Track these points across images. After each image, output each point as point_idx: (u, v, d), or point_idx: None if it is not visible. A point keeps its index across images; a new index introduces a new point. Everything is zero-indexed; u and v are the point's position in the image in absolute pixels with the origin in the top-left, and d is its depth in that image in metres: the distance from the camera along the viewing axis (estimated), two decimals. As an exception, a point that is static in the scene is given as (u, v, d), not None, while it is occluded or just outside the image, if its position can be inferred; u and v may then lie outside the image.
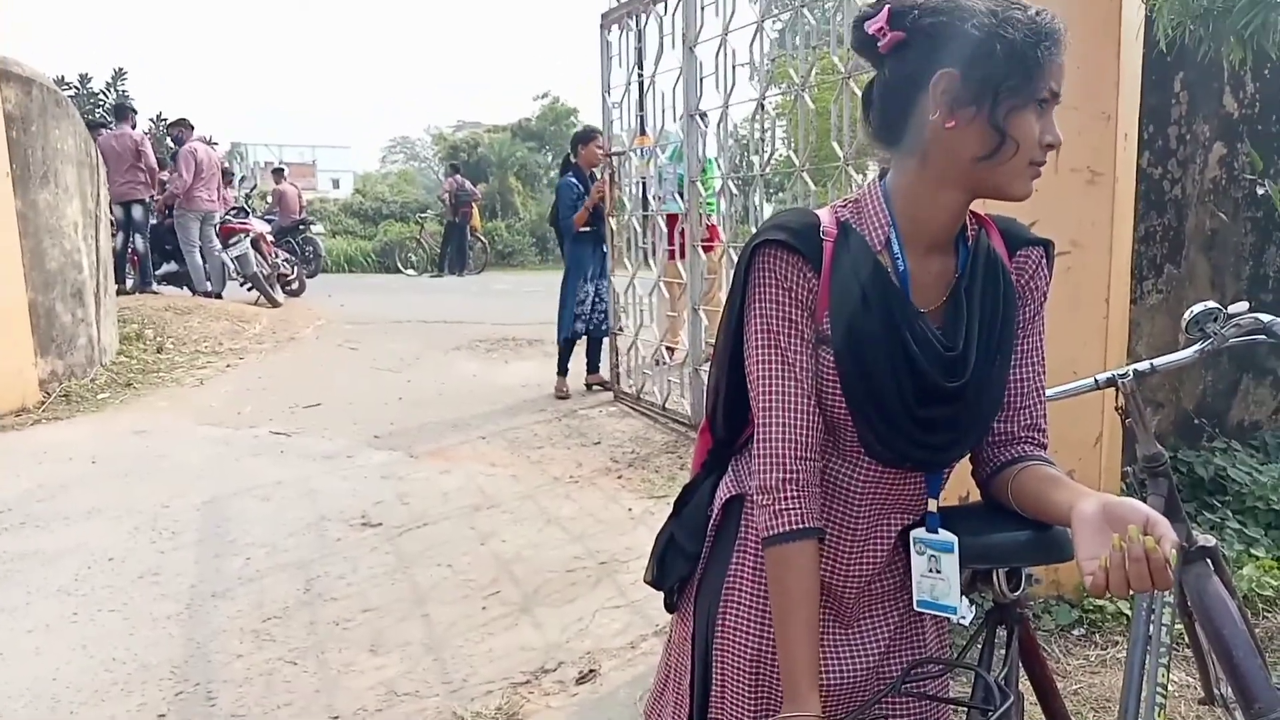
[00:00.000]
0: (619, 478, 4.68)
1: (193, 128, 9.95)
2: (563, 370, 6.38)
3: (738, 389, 1.34)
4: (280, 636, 3.10)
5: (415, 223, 19.67)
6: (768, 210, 5.84)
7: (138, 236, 9.44)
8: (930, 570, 1.29)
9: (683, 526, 1.43)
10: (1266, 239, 4.04)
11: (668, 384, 5.68)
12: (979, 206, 1.31)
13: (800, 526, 1.19)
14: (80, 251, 6.72)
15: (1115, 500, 1.08)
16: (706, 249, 5.38)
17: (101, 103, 13.58)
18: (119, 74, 15.05)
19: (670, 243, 5.75)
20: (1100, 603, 2.89)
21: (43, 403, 6.13)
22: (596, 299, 6.25)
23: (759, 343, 1.23)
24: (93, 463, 5.01)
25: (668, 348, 6.11)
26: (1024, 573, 1.32)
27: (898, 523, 1.30)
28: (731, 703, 1.33)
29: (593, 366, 6.48)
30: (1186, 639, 1.97)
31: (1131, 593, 1.02)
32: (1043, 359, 1.32)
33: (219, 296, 9.77)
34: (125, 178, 9.19)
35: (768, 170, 5.10)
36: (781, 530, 1.19)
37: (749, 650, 1.30)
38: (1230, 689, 1.72)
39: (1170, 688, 2.38)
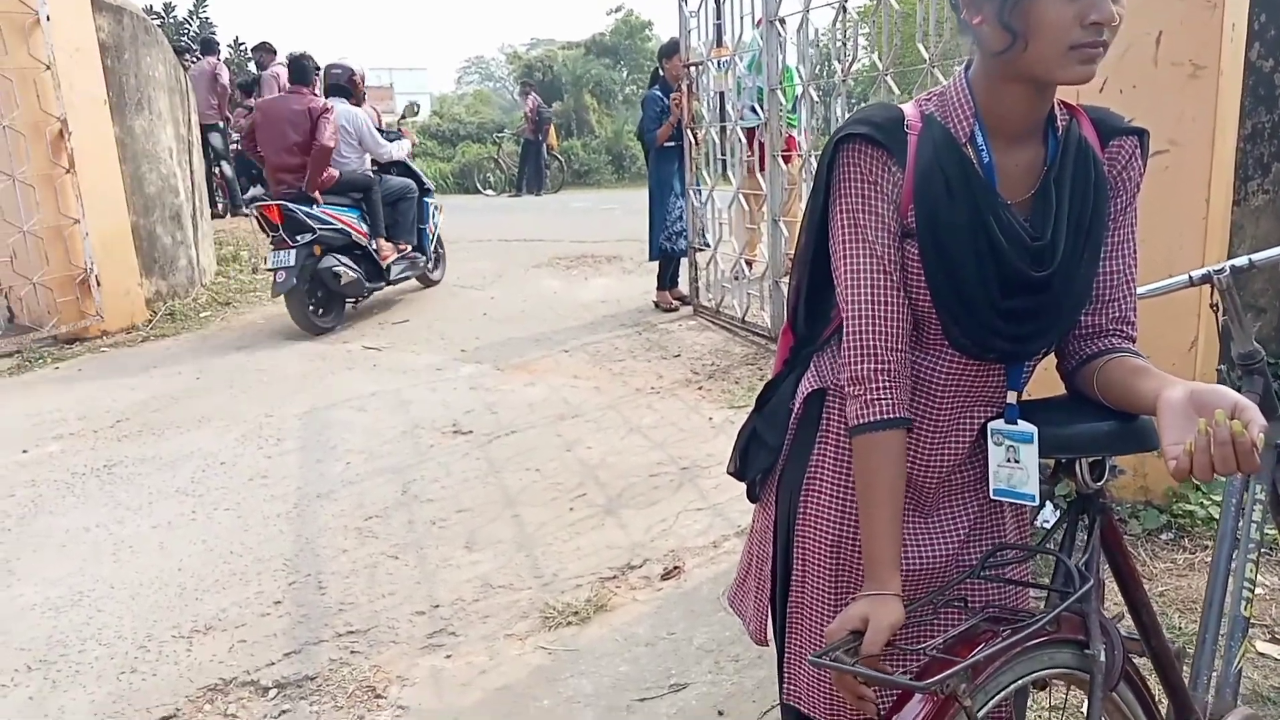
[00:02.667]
0: (699, 389, 4.75)
1: (275, 52, 10.08)
2: (669, 284, 6.41)
3: (820, 287, 1.37)
4: (382, 534, 3.29)
5: (493, 143, 19.69)
6: (849, 120, 5.67)
7: (223, 162, 9.70)
8: (1008, 460, 1.30)
9: (765, 420, 1.47)
10: (1388, 134, 3.79)
11: (747, 297, 5.67)
12: (1071, 96, 1.29)
13: (891, 416, 1.21)
14: (176, 176, 6.98)
15: (1203, 386, 1.08)
16: (785, 160, 5.30)
17: (185, 30, 13.85)
18: (200, 2, 15.30)
19: (749, 155, 5.68)
20: (1190, 507, 2.86)
21: (150, 320, 6.46)
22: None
23: (846, 237, 1.24)
24: (198, 377, 5.29)
25: (746, 261, 6.08)
26: (1108, 464, 1.32)
27: (980, 415, 1.32)
28: (813, 587, 1.38)
29: (670, 282, 6.50)
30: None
31: (1217, 476, 1.03)
32: (1134, 251, 1.30)
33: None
34: (201, 104, 9.42)
35: (850, 78, 4.95)
36: (873, 419, 1.22)
37: (829, 536, 1.35)
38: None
39: (1259, 590, 2.37)
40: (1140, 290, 1.47)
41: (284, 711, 2.38)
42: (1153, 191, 2.78)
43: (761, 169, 5.43)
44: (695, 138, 6.09)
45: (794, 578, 1.40)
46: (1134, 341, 1.31)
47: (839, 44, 5.41)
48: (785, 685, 1.45)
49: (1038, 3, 1.10)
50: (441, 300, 7.10)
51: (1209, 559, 2.71)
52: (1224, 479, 1.63)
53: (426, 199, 7.02)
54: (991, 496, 1.33)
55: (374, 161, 6.62)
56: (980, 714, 1.12)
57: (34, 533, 3.40)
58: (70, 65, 5.85)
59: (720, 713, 2.27)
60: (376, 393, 4.87)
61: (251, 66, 10.95)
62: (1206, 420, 1.02)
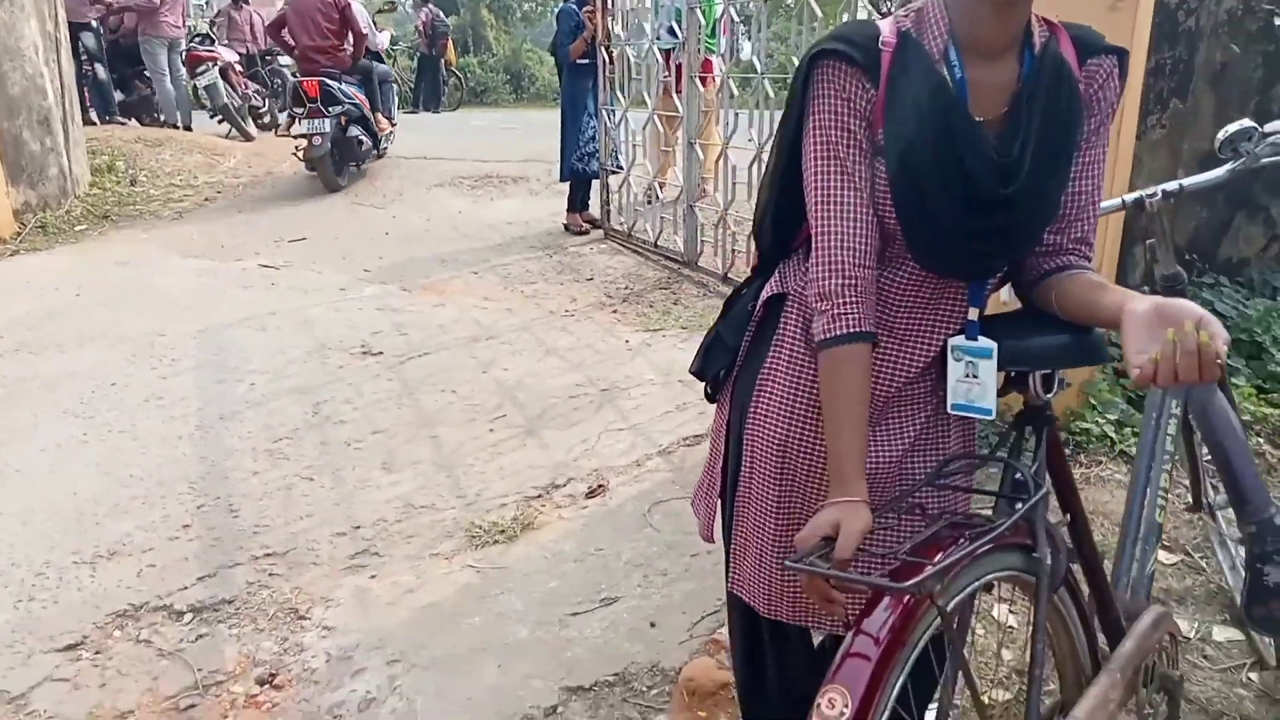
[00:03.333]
0: (614, 312, 4.72)
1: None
2: (580, 207, 6.29)
3: (789, 201, 1.36)
4: (293, 455, 3.18)
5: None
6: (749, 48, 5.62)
7: (97, 64, 8.95)
8: (966, 375, 1.33)
9: (728, 323, 1.51)
10: (1275, 74, 3.99)
11: (660, 221, 5.63)
12: (1049, 11, 1.29)
13: (858, 330, 1.23)
14: (43, 76, 6.40)
15: (1168, 300, 1.12)
16: (702, 83, 5.23)
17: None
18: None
19: (666, 75, 5.57)
20: (1086, 425, 3.02)
21: (19, 233, 5.98)
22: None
23: (818, 153, 1.24)
24: (77, 294, 4.95)
25: (659, 184, 6.02)
26: (1056, 376, 1.37)
27: (941, 331, 1.34)
28: (759, 483, 1.42)
29: (581, 205, 6.40)
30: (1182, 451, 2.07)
31: (1178, 383, 1.07)
32: (1102, 173, 1.32)
33: (188, 129, 9.40)
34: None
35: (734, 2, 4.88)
36: (840, 333, 1.23)
37: (777, 436, 1.38)
38: (1226, 493, 1.83)
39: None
40: None
41: (201, 635, 2.30)
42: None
43: (678, 91, 5.34)
44: (610, 56, 5.93)
45: (742, 474, 1.44)
46: (1090, 260, 1.34)
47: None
48: (731, 574, 1.51)
49: None
50: (339, 218, 6.81)
51: (1105, 474, 2.89)
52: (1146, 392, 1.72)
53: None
54: (950, 410, 1.36)
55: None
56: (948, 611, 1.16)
57: (-96, 456, 3.15)
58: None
59: (652, 624, 2.31)
60: (277, 311, 4.66)
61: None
62: (1175, 330, 1.06)
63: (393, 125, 8.43)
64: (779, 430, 1.38)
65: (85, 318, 4.54)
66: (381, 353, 4.11)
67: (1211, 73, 3.73)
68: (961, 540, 1.19)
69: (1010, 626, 2.20)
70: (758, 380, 1.41)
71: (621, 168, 6.11)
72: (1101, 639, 1.54)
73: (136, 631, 2.31)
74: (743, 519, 1.46)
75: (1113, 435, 3.04)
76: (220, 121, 9.69)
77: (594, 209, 6.39)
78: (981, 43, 1.21)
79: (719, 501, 1.56)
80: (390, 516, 2.81)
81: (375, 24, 8.55)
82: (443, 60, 15.50)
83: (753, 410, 1.41)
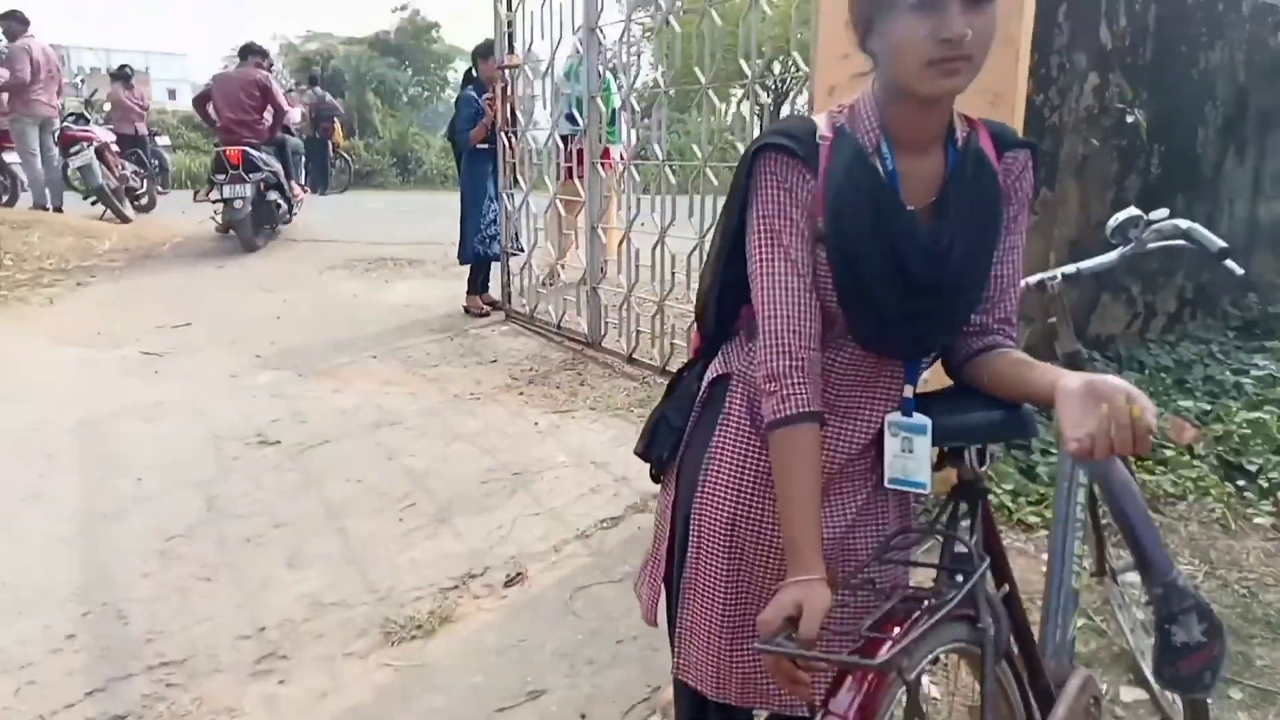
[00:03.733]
0: (520, 394, 4.68)
1: (27, 22, 8.93)
2: (480, 289, 6.27)
3: (731, 287, 1.41)
4: (188, 554, 3.00)
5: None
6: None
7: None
8: (903, 450, 1.39)
9: (673, 405, 1.54)
10: (1129, 166, 4.37)
11: (564, 302, 5.67)
12: (971, 110, 1.39)
13: (806, 410, 1.27)
14: (-99, 154, 6.04)
15: (1098, 376, 1.19)
16: (604, 167, 5.35)
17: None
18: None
19: (567, 160, 5.68)
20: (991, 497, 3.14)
21: None
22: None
23: (763, 240, 1.30)
24: (-62, 385, 4.60)
25: (560, 266, 6.08)
26: (989, 451, 1.44)
27: (880, 408, 1.39)
28: (707, 563, 1.43)
29: (481, 287, 6.38)
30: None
31: (1110, 455, 1.14)
32: (1021, 256, 1.41)
33: (59, 210, 8.98)
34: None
35: (633, 93, 5.07)
36: (788, 414, 1.26)
37: (725, 514, 1.41)
38: (1132, 558, 1.93)
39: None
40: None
41: (91, 758, 2.11)
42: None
43: (579, 176, 5.44)
44: (510, 141, 6.01)
45: (689, 554, 1.45)
46: (1014, 340, 1.42)
47: (625, 60, 5.50)
48: (677, 660, 1.50)
49: (892, 27, 1.19)
50: (227, 301, 6.58)
51: (1008, 541, 3.00)
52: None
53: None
54: (887, 485, 1.40)
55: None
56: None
57: None
58: None
59: (583, 715, 2.25)
60: (163, 401, 4.43)
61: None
62: (1109, 405, 1.13)
63: (305, 192, 9.68)
64: (727, 508, 1.40)
65: (-53, 412, 4.21)
66: (279, 441, 3.95)
67: (1075, 165, 4.06)
68: (918, 614, 1.22)
69: (934, 698, 2.24)
70: (705, 459, 1.43)
71: (523, 249, 6.15)
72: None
73: (16, 757, 2.11)
74: (689, 601, 1.46)
75: (1009, 505, 3.17)
76: (94, 203, 9.30)
77: (493, 291, 6.38)
78: (909, 136, 1.30)
79: (663, 585, 1.55)
80: (298, 615, 2.67)
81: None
82: (329, 143, 15.37)
83: (700, 489, 1.43)
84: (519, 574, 2.90)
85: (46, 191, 9.00)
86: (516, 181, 6.08)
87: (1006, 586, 1.49)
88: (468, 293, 6.30)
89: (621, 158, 5.36)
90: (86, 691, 2.31)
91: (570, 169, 5.65)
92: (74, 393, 4.54)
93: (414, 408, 4.44)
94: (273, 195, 8.21)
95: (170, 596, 2.75)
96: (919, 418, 1.37)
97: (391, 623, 2.63)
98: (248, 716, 2.25)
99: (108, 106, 11.58)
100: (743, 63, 4.08)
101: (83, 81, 15.39)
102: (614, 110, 5.54)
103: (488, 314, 6.24)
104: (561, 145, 5.68)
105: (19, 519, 3.20)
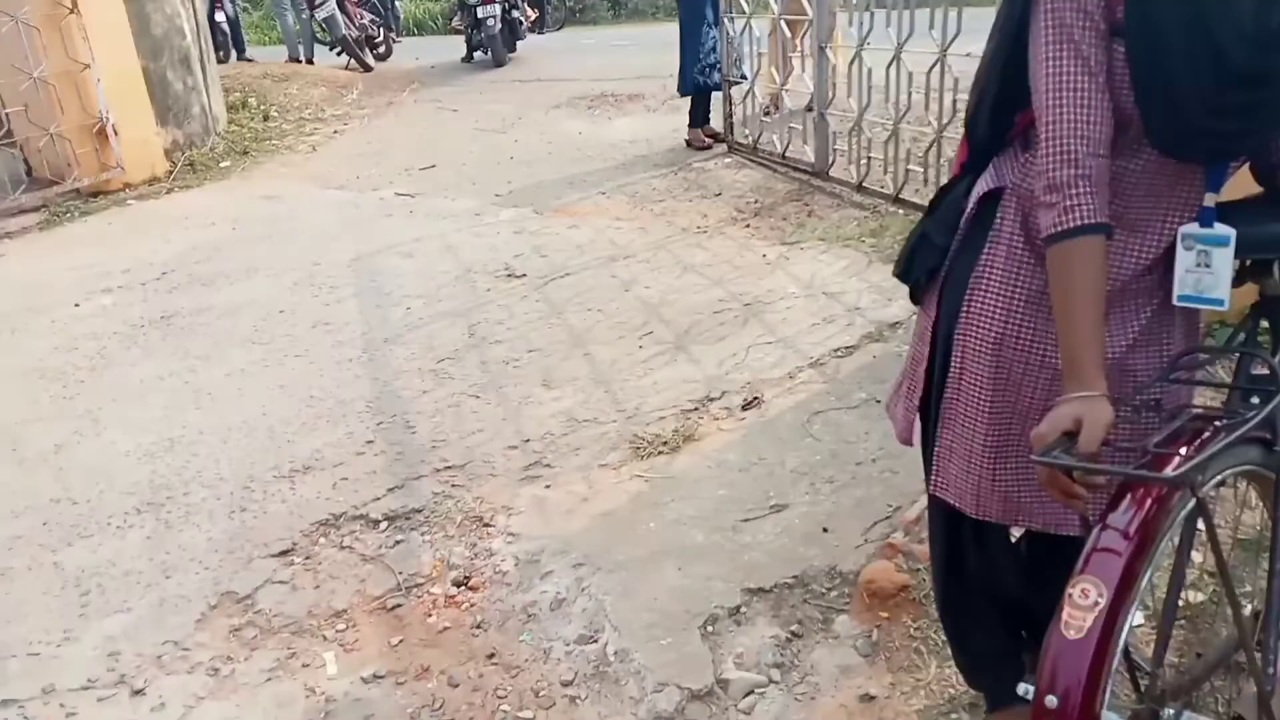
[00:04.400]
0: (746, 226, 4.68)
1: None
2: (702, 121, 6.21)
3: (1009, 91, 1.32)
4: (457, 375, 3.32)
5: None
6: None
7: (226, 2, 9.22)
8: (1199, 264, 1.28)
9: (935, 223, 1.49)
10: None
11: (788, 131, 5.51)
12: None
13: (1091, 221, 1.19)
14: (180, 16, 6.64)
15: None
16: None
17: None
18: None
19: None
20: None
21: (171, 171, 6.30)
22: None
23: (1050, 37, 1.20)
24: (233, 228, 5.21)
25: (786, 91, 5.87)
26: (1297, 266, 1.31)
27: (1174, 220, 1.29)
28: (970, 383, 1.41)
29: (702, 119, 6.29)
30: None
31: None
32: None
33: (311, 62, 9.64)
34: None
35: None
36: (1071, 225, 1.19)
37: (993, 333, 1.36)
38: None
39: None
40: None
41: (398, 541, 2.46)
42: None
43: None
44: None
45: (950, 374, 1.43)
46: None
47: None
48: (935, 478, 1.51)
49: None
50: (464, 144, 6.92)
51: None
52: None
53: None
54: (1176, 302, 1.31)
55: None
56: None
57: (109, 383, 3.43)
58: (61, -105, 5.46)
59: (825, 529, 2.35)
60: (420, 238, 4.80)
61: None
62: None
63: (536, 12, 11.44)
64: (995, 327, 1.36)
65: (246, 250, 4.78)
66: (525, 275, 4.20)
67: None
68: (1209, 433, 1.17)
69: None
70: (973, 277, 1.38)
71: (746, 78, 5.97)
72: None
73: (339, 539, 2.49)
74: (951, 420, 1.46)
75: None
76: (339, 53, 9.88)
77: (715, 122, 6.28)
78: None
79: (918, 407, 1.56)
80: (556, 430, 2.92)
81: None
82: (546, -21, 15.30)
83: (965, 307, 1.39)
84: (756, 398, 3.00)
85: (299, 45, 9.65)
86: (739, 4, 5.84)
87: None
88: (689, 125, 6.24)
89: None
90: (388, 488, 2.67)
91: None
92: (343, 231, 5.01)
93: (644, 241, 4.56)
94: (515, 14, 10.13)
95: (446, 410, 3.07)
96: (1221, 228, 1.26)
97: (640, 439, 2.82)
98: (521, 514, 2.53)
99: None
100: None
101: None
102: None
103: (710, 146, 6.18)
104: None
105: (315, 343, 3.65)
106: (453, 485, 2.67)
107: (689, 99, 6.17)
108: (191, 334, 3.80)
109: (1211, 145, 1.23)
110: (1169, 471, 1.04)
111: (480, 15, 9.55)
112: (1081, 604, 1.08)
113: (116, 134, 5.85)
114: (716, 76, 6.00)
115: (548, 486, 2.65)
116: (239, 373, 3.44)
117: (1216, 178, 1.27)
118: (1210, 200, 1.27)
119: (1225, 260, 1.26)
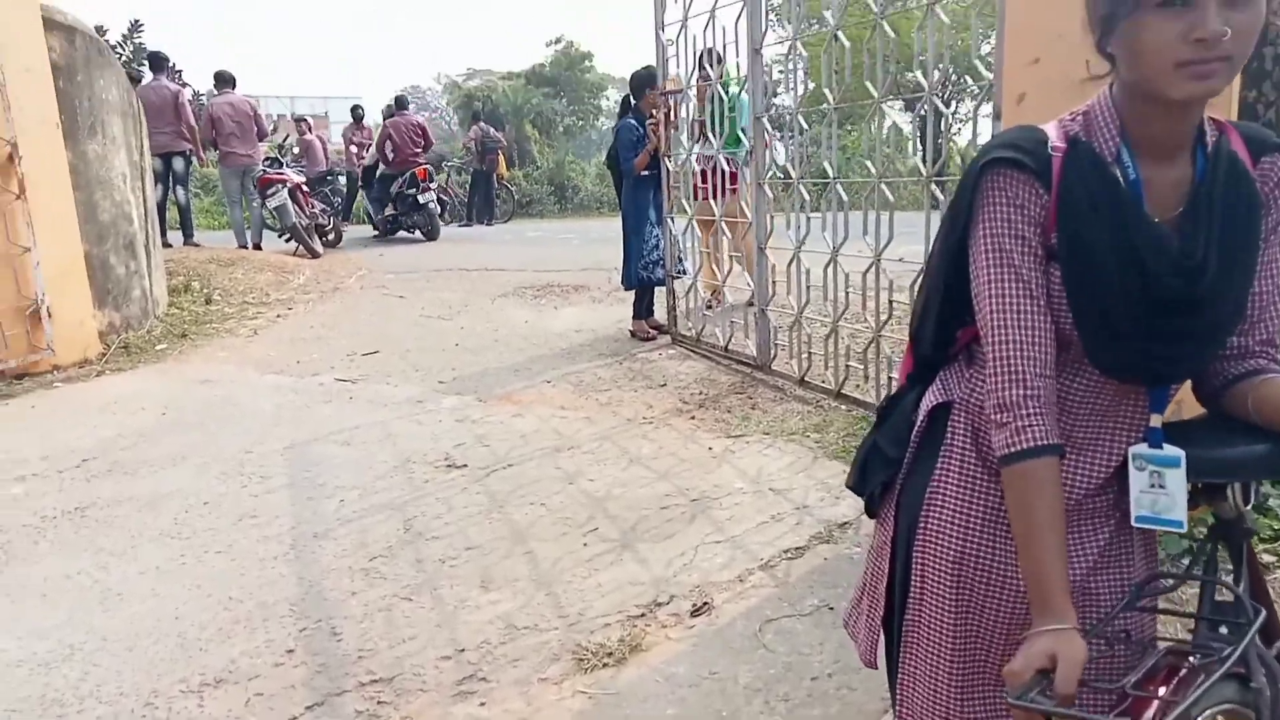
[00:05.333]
0: (692, 418, 4.69)
1: (229, 80, 9.82)
2: (645, 314, 6.36)
3: (952, 308, 1.35)
4: (390, 574, 3.14)
5: (439, 172, 19.49)
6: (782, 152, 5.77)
7: (179, 189, 9.39)
8: (1152, 486, 1.27)
9: (886, 434, 1.47)
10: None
11: (730, 325, 5.65)
12: (1220, 113, 1.28)
13: (1045, 443, 1.19)
14: (130, 203, 6.71)
15: None
16: (733, 192, 5.33)
17: (119, 54, 13.44)
18: (135, 26, 14.90)
19: (733, 182, 5.68)
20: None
21: (104, 354, 6.16)
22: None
23: (990, 263, 1.22)
24: (164, 413, 5.05)
25: (723, 289, 6.07)
26: (1253, 487, 1.31)
27: (1121, 441, 1.29)
28: (932, 604, 1.36)
29: (646, 311, 6.44)
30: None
31: None
32: None
33: (259, 248, 9.75)
34: (166, 130, 9.09)
35: (800, 111, 4.97)
36: (1025, 447, 1.19)
37: (951, 553, 1.33)
38: None
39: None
40: None
41: (315, 769, 2.23)
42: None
43: (729, 196, 5.44)
44: (670, 166, 6.07)
45: (911, 595, 1.38)
46: (1279, 364, 1.30)
47: (788, 75, 5.44)
48: (899, 708, 1.44)
49: (1137, 26, 1.10)
50: (408, 330, 6.94)
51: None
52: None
53: None
54: (1135, 524, 1.29)
55: None
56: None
57: (9, 582, 3.17)
58: (21, 86, 5.58)
59: (782, 754, 2.19)
60: (359, 426, 4.70)
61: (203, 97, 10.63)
62: None
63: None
64: (954, 547, 1.33)
65: (175, 437, 4.61)
66: (466, 465, 4.10)
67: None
68: (1188, 670, 1.12)
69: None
70: (928, 493, 1.36)
71: (686, 272, 6.18)
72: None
73: (249, 765, 2.25)
74: (913, 646, 1.40)
75: None
76: (288, 240, 10.04)
77: (658, 315, 6.43)
78: (1154, 142, 1.20)
79: (880, 626, 1.49)
80: (494, 638, 2.74)
81: None
82: (494, 175, 16.02)
83: (922, 524, 1.36)
84: (705, 603, 2.88)
85: (247, 232, 9.80)
86: (681, 206, 6.12)
87: (1278, 644, 1.34)
88: (634, 317, 6.38)
89: (785, 174, 5.30)
90: (307, 706, 2.45)
91: (735, 190, 5.64)
92: (279, 418, 4.88)
93: (589, 432, 4.52)
94: (434, 207, 12.54)
95: (376, 615, 2.88)
96: (1170, 449, 1.26)
97: (583, 649, 2.66)
98: (454, 736, 2.33)
99: (296, 150, 12.52)
100: (918, 74, 3.95)
101: (274, 129, 16.75)
102: (742, 128, 5.49)
103: (654, 338, 6.30)
104: (727, 167, 5.69)
105: (239, 537, 3.45)
106: (378, 702, 2.46)
107: (633, 292, 6.34)
108: (107, 527, 3.58)
109: (1150, 369, 1.25)
110: (1150, 721, 0.98)
111: (423, 201, 12.00)
112: None
113: (50, 316, 5.74)
114: (660, 272, 6.20)
115: (482, 704, 2.45)
116: (154, 570, 3.22)
117: (1159, 399, 1.28)
118: (1156, 421, 1.28)
119: (1179, 482, 1.26)
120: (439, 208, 12.35)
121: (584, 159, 25.70)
